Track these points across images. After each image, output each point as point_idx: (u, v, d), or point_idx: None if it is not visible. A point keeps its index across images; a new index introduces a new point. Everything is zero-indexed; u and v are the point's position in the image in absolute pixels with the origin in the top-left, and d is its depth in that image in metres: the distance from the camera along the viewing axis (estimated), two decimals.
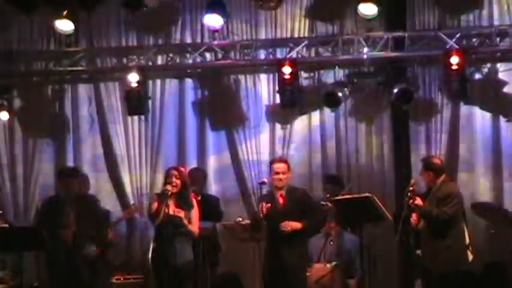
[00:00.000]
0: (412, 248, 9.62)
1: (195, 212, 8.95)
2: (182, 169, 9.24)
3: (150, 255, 8.97)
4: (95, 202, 10.85)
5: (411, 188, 9.12)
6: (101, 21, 12.08)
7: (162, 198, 8.82)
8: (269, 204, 9.01)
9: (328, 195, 10.14)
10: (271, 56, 11.80)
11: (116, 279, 10.95)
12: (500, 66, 11.42)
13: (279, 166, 9.23)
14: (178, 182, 8.91)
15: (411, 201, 9.06)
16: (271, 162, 9.50)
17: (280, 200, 9.20)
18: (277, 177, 9.20)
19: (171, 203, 8.82)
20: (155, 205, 8.85)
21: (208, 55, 11.89)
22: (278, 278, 9.03)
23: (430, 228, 9.15)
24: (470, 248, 9.24)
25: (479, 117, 11.43)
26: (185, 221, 8.83)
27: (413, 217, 9.21)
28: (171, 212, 8.81)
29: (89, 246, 10.32)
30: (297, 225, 9.05)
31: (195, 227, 8.94)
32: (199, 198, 10.02)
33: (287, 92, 11.37)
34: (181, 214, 8.84)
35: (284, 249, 8.99)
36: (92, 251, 10.32)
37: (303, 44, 11.62)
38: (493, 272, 8.75)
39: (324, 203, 10.00)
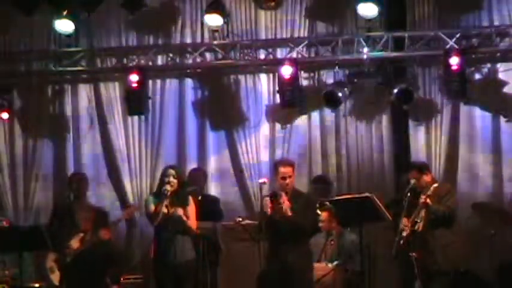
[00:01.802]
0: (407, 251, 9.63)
1: (191, 209, 8.95)
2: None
3: (151, 255, 9.00)
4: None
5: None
6: (101, 21, 12.07)
7: (160, 198, 8.82)
8: (270, 203, 8.96)
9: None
10: (271, 56, 11.80)
11: None
12: (500, 66, 11.41)
13: (286, 170, 9.09)
14: (176, 181, 8.91)
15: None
16: (277, 164, 9.36)
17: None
18: (283, 182, 9.08)
19: (168, 201, 8.82)
20: (153, 205, 8.85)
21: (208, 55, 11.89)
22: (281, 279, 8.99)
23: (431, 228, 9.21)
24: None
25: (479, 117, 11.43)
26: (184, 218, 8.82)
27: (404, 222, 9.33)
28: (168, 211, 8.81)
29: None
30: (288, 211, 8.93)
31: (192, 223, 8.94)
32: (199, 198, 10.02)
33: (287, 92, 11.37)
34: (180, 211, 8.84)
35: (286, 249, 8.95)
36: None
37: (303, 44, 11.62)
38: (504, 273, 8.83)
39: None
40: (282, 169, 9.12)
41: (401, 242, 9.38)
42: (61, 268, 10.28)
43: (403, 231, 9.37)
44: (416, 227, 9.32)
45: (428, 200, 9.22)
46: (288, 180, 9.07)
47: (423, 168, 9.75)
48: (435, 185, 9.40)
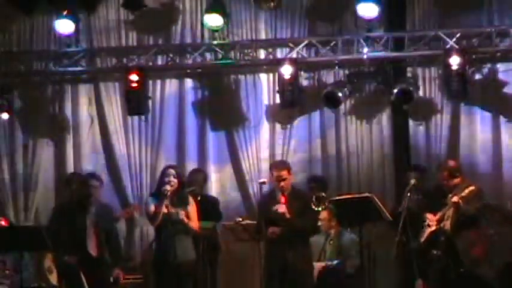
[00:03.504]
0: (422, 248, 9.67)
1: (192, 208, 8.94)
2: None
3: (151, 256, 8.99)
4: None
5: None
6: (101, 21, 12.09)
7: (160, 198, 8.81)
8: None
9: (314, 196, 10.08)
10: (271, 56, 11.80)
11: None
12: (500, 66, 11.42)
13: (280, 174, 9.08)
14: (176, 181, 8.90)
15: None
16: (271, 167, 9.39)
17: (282, 201, 9.15)
18: (279, 184, 9.08)
19: (168, 201, 8.82)
20: (153, 206, 8.84)
21: (208, 55, 11.89)
22: (281, 279, 8.98)
23: (458, 229, 9.31)
24: None
25: (479, 117, 11.43)
26: (183, 217, 8.81)
27: (430, 217, 9.40)
28: (168, 211, 8.81)
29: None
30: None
31: (194, 223, 8.93)
32: (199, 198, 10.01)
33: (287, 92, 11.38)
34: (182, 214, 8.82)
35: (286, 250, 8.94)
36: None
37: (303, 44, 11.62)
38: (504, 273, 8.87)
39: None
40: (275, 173, 9.13)
41: (425, 237, 9.47)
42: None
43: (429, 226, 9.46)
44: (442, 225, 9.42)
45: (460, 201, 9.28)
46: (283, 183, 9.07)
47: (456, 172, 9.86)
48: (471, 188, 9.43)
